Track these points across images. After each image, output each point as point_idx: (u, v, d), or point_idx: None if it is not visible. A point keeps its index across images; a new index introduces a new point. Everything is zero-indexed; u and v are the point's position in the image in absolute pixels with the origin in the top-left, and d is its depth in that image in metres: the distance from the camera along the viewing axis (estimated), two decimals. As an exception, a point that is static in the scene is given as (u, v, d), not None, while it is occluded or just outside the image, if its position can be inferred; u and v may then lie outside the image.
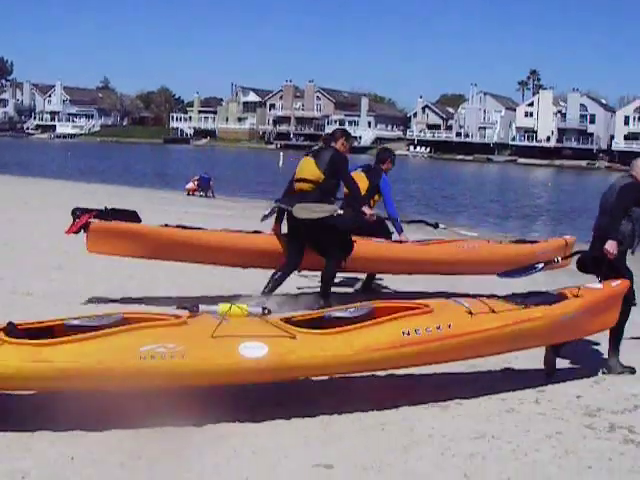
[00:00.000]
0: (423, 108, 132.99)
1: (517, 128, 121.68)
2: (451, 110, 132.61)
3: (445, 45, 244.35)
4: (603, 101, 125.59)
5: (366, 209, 9.01)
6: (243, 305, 5.59)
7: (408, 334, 5.62)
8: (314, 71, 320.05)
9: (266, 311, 5.56)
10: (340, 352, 5.42)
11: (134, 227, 8.71)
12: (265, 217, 9.05)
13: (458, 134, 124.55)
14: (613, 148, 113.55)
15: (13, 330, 5.06)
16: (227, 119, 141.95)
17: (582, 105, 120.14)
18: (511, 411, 6.00)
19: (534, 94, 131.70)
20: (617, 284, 6.82)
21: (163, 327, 5.27)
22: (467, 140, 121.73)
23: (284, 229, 8.96)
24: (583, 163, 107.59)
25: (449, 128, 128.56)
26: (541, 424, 5.75)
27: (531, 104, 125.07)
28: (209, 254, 8.94)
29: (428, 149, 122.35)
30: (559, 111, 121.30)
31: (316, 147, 8.88)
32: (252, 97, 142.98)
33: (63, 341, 4.98)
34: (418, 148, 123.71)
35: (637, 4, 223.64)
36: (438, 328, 5.73)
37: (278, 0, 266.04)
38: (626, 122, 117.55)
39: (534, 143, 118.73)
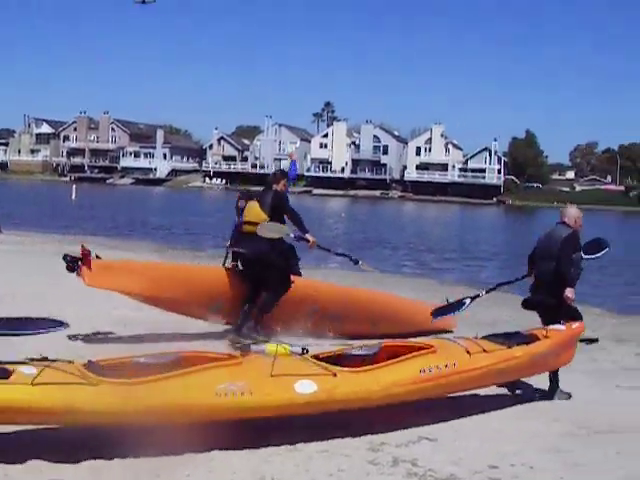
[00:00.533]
0: (219, 140, 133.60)
1: (312, 159, 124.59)
2: (247, 142, 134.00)
3: (240, 77, 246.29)
4: (396, 132, 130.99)
5: (309, 236, 9.78)
6: (286, 345, 6.45)
7: (424, 372, 6.51)
8: (109, 102, 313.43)
9: (305, 351, 6.43)
10: (371, 388, 6.21)
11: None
12: (224, 262, 9.79)
13: (254, 165, 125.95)
14: (405, 178, 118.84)
15: (96, 368, 5.47)
16: (19, 151, 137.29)
17: (375, 136, 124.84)
18: (292, 450, 5.80)
19: (328, 126, 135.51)
20: (576, 326, 7.86)
21: (231, 366, 5.95)
22: (262, 171, 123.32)
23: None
24: (377, 193, 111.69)
25: (245, 159, 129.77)
26: (323, 461, 5.60)
27: (325, 135, 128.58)
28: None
29: (224, 181, 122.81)
30: (353, 142, 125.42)
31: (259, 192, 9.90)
32: (45, 128, 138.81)
33: (150, 380, 5.46)
34: (214, 180, 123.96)
35: (425, 41, 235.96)
36: (446, 366, 6.65)
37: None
38: (417, 153, 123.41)
39: (329, 174, 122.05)
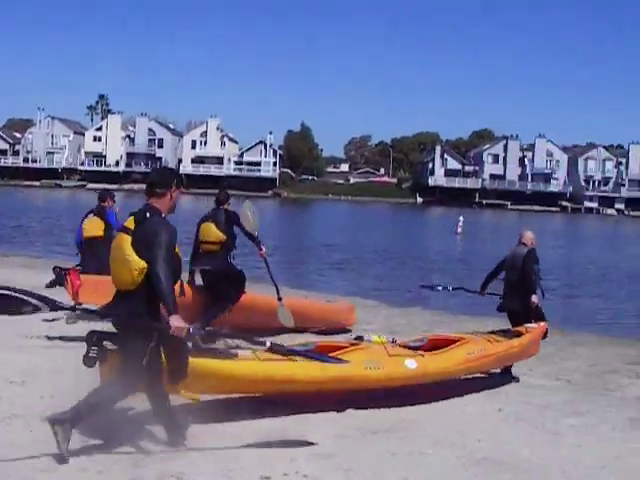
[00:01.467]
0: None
1: (86, 153, 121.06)
2: (18, 135, 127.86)
3: (11, 68, 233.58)
4: (171, 126, 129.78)
5: (263, 247, 10.83)
6: (384, 337, 8.53)
7: (470, 354, 8.60)
8: None
9: (394, 340, 8.51)
10: (444, 365, 8.31)
11: None
12: (190, 281, 10.60)
13: (25, 159, 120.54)
14: (181, 171, 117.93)
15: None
16: None
17: (150, 130, 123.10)
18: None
19: (103, 119, 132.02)
20: (543, 324, 10.09)
21: (363, 350, 7.99)
22: (35, 165, 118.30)
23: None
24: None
25: (16, 153, 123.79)
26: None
27: (100, 129, 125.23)
28: None
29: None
30: (128, 135, 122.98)
31: (208, 212, 10.77)
32: None
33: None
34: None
35: (196, 36, 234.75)
36: (480, 351, 8.76)
37: None
38: (193, 146, 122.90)
39: (103, 167, 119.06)
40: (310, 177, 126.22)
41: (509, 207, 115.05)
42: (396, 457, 6.30)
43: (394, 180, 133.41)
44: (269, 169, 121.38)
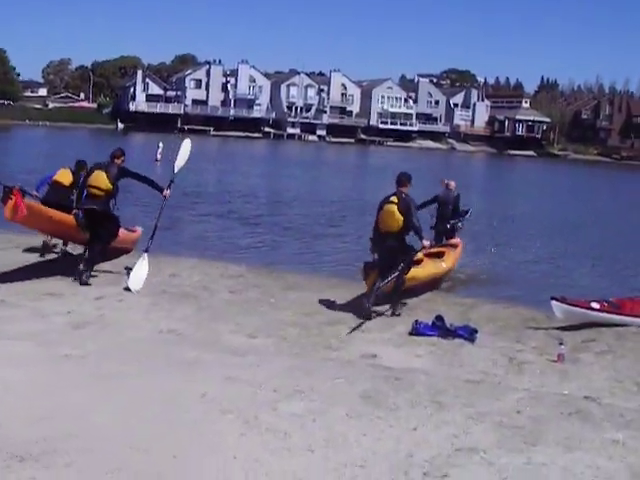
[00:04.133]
0: None
1: None
2: None
3: None
4: None
5: (167, 192, 12.39)
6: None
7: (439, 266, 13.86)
8: None
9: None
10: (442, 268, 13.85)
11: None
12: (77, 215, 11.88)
13: None
14: None
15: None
16: None
17: None
18: None
19: None
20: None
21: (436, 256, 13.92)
22: None
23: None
24: None
25: None
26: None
27: None
28: None
29: None
30: None
31: (103, 162, 12.02)
32: None
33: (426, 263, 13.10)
34: None
35: None
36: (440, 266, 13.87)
37: None
38: None
39: None
40: (7, 102, 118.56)
41: (212, 133, 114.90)
42: None
43: (94, 105, 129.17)
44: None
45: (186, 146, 13.06)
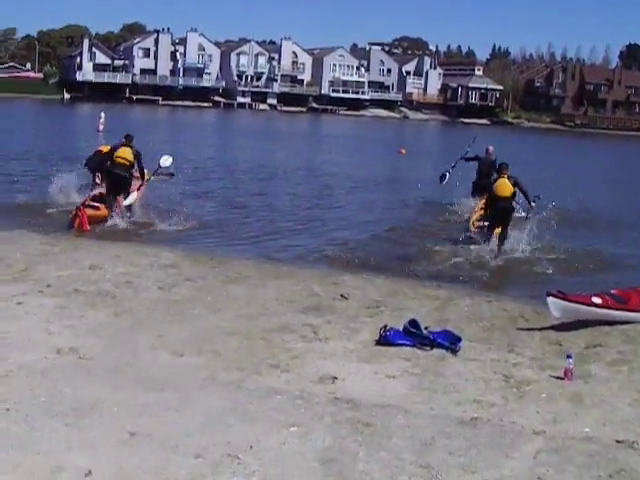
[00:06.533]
0: None
1: None
2: None
3: None
4: None
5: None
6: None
7: None
8: None
9: None
10: None
11: None
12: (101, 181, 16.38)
13: None
14: None
15: None
16: None
17: None
18: None
19: None
20: None
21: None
22: None
23: None
24: None
25: None
26: None
27: None
28: None
29: None
30: None
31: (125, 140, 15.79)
32: None
33: None
34: None
35: None
36: None
37: None
38: None
39: None
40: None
41: (161, 102, 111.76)
42: None
43: (40, 75, 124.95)
44: None
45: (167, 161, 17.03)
